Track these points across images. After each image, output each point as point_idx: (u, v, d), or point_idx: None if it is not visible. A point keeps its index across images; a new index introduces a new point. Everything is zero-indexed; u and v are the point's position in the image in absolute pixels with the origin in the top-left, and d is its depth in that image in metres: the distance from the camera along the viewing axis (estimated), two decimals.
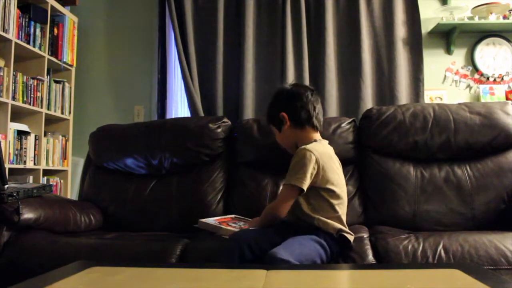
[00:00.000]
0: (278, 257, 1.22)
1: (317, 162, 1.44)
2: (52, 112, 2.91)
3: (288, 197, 1.45)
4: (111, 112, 3.16)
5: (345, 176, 1.95)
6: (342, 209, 1.49)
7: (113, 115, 3.10)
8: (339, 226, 1.45)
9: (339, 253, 1.45)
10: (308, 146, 1.49)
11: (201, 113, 2.79)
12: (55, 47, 2.95)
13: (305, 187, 1.42)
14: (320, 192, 1.47)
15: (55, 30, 2.96)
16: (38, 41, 2.79)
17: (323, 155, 1.48)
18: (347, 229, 1.48)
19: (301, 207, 1.47)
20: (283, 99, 1.61)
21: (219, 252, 1.42)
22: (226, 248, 1.38)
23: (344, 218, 1.50)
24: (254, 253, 1.35)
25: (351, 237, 1.47)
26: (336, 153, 1.97)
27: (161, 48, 3.10)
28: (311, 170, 1.43)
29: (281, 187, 1.86)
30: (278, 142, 1.66)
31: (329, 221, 1.44)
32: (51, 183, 2.86)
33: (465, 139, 1.89)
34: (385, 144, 1.96)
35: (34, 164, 2.75)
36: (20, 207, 1.59)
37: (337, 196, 1.48)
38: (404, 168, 1.92)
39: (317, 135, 1.59)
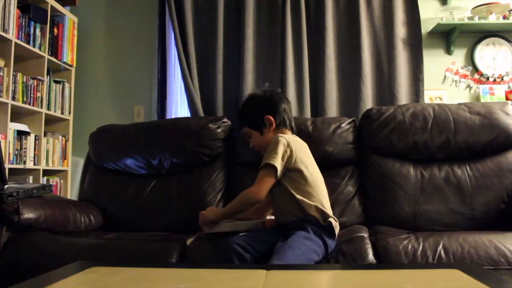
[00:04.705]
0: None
1: (289, 146, 1.52)
2: (52, 112, 2.91)
3: (265, 177, 1.50)
4: (111, 112, 3.16)
5: (345, 176, 1.98)
6: (317, 192, 1.52)
7: (113, 115, 3.10)
8: (321, 207, 1.48)
9: (335, 248, 1.47)
10: (280, 134, 1.57)
11: (201, 113, 2.78)
12: (55, 47, 2.95)
13: (278, 165, 1.47)
14: (295, 176, 1.51)
15: (55, 30, 2.96)
16: (38, 41, 2.79)
17: (294, 142, 1.55)
18: (330, 213, 1.51)
19: (284, 196, 1.51)
20: (268, 102, 1.66)
21: (218, 259, 1.43)
22: (224, 255, 1.40)
23: (326, 203, 1.53)
24: (250, 253, 1.39)
25: (336, 223, 1.49)
26: (336, 153, 1.99)
27: (161, 48, 3.10)
28: (282, 152, 1.50)
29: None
30: (255, 146, 1.67)
31: (311, 202, 1.48)
32: (51, 183, 2.86)
33: (465, 139, 1.90)
34: (385, 144, 1.96)
35: (34, 164, 2.75)
36: (20, 207, 1.59)
37: (307, 179, 1.52)
38: (404, 168, 1.93)
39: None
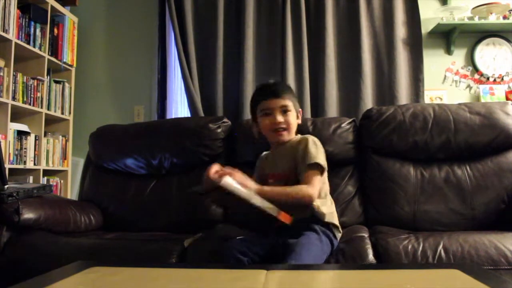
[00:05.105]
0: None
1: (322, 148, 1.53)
2: (52, 112, 2.91)
3: (317, 177, 1.44)
4: (111, 112, 3.16)
5: (345, 176, 1.98)
6: (324, 192, 1.53)
7: (113, 115, 3.10)
8: (329, 207, 1.50)
9: (336, 248, 1.48)
10: (309, 135, 1.56)
11: (201, 113, 2.78)
12: (55, 47, 2.95)
13: (325, 165, 1.47)
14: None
15: (55, 30, 2.96)
16: (38, 41, 2.79)
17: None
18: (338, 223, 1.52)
19: None
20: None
21: (217, 261, 1.42)
22: (223, 256, 1.38)
23: (332, 203, 1.56)
24: (248, 256, 1.36)
25: (339, 235, 1.51)
26: (336, 153, 2.00)
27: (161, 48, 3.10)
28: (322, 151, 1.50)
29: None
30: (286, 122, 1.55)
31: (321, 203, 1.47)
32: (51, 183, 2.86)
33: (465, 139, 1.90)
34: (385, 144, 1.96)
35: (34, 164, 2.75)
36: (20, 207, 1.60)
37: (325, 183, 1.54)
38: (404, 168, 1.93)
39: None
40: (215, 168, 1.37)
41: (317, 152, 1.47)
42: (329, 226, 1.46)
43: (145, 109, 3.14)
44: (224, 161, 2.09)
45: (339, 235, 1.51)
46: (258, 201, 1.31)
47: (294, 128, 1.58)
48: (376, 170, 1.95)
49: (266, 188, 1.40)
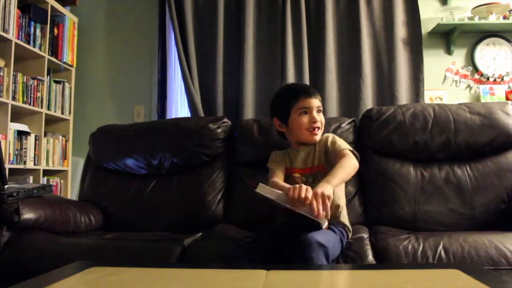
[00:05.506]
0: (315, 239, 1.20)
1: None
2: (52, 112, 2.91)
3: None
4: (111, 112, 3.16)
5: None
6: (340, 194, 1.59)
7: (113, 115, 3.10)
8: (345, 211, 1.53)
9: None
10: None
11: (201, 113, 2.78)
12: (55, 47, 2.95)
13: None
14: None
15: (55, 30, 2.96)
16: (38, 41, 2.79)
17: None
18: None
19: None
20: None
21: (218, 260, 1.41)
22: (225, 258, 1.37)
23: None
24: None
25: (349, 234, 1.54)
26: None
27: (161, 48, 3.10)
28: None
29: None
30: (321, 122, 1.63)
31: (345, 213, 1.53)
32: (51, 183, 2.86)
33: (465, 139, 1.89)
34: (385, 144, 1.96)
35: (34, 164, 2.75)
36: (20, 207, 1.59)
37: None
38: (404, 168, 1.92)
39: None
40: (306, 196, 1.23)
41: (343, 142, 1.56)
42: (345, 228, 1.49)
43: (145, 109, 3.14)
44: (224, 161, 2.10)
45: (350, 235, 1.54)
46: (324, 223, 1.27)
47: (323, 129, 1.65)
48: (376, 170, 1.95)
49: (334, 180, 1.35)
